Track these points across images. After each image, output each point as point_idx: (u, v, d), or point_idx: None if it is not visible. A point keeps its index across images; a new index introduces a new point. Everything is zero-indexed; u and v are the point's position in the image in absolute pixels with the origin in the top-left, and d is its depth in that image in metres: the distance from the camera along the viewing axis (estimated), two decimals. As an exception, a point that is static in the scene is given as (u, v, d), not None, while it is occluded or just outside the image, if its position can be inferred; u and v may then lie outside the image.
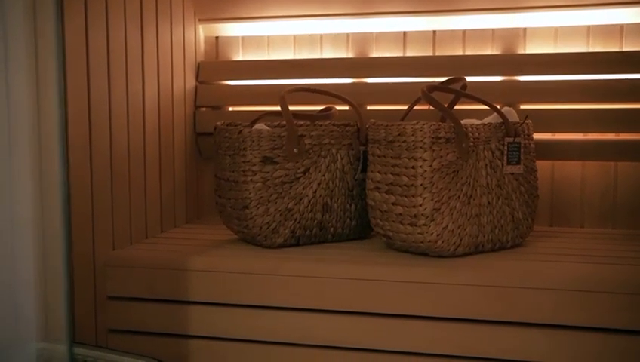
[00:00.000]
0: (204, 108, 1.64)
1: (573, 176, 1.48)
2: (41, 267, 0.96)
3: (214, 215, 1.68)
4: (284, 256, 1.18)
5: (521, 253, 1.21)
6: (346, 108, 1.50)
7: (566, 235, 1.38)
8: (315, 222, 1.27)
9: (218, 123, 1.31)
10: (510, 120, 1.23)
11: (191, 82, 1.61)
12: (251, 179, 1.21)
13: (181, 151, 1.56)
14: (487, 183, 1.19)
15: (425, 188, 1.12)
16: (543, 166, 1.42)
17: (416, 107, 1.30)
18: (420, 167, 1.12)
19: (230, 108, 1.65)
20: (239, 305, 1.16)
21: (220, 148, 1.29)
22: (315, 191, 1.26)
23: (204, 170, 1.66)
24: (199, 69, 1.63)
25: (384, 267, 1.12)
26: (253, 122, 1.30)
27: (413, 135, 1.13)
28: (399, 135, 1.15)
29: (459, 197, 1.16)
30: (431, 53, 1.54)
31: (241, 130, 1.22)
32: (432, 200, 1.12)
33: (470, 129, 1.18)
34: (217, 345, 1.18)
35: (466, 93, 1.27)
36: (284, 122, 1.25)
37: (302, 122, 1.27)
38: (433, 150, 1.13)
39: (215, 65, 1.66)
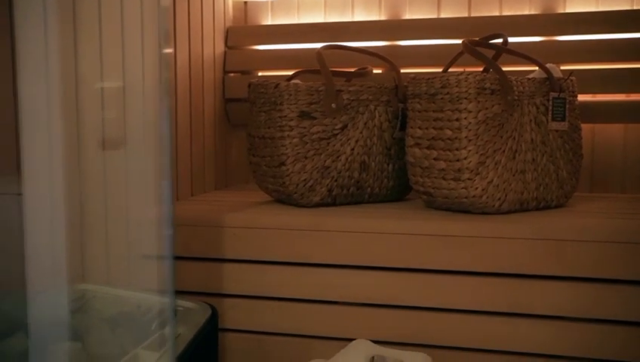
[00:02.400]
0: (232, 74, 1.61)
1: (614, 139, 1.43)
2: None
3: (242, 183, 1.66)
4: (322, 213, 1.15)
5: (567, 211, 1.17)
6: (380, 71, 1.47)
7: (609, 199, 1.34)
8: (353, 181, 1.23)
9: (253, 80, 1.28)
10: (554, 76, 1.19)
11: (220, 47, 1.58)
12: (288, 135, 1.18)
13: (210, 117, 1.53)
14: (532, 139, 1.16)
15: (469, 140, 1.09)
16: (583, 129, 1.38)
17: (451, 69, 1.27)
18: (465, 118, 1.09)
19: (259, 74, 1.62)
20: (277, 262, 1.13)
21: (254, 106, 1.25)
22: (353, 149, 1.22)
23: (232, 137, 1.64)
24: (228, 34, 1.61)
25: (427, 221, 1.08)
26: (289, 79, 1.27)
27: (457, 86, 1.09)
28: (442, 87, 1.12)
29: (504, 151, 1.12)
30: (466, 14, 1.50)
31: (277, 84, 1.19)
32: (476, 153, 1.09)
33: (515, 83, 1.14)
34: (253, 303, 1.15)
35: (508, 49, 1.23)
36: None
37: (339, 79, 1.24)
38: (478, 101, 1.09)
39: (244, 30, 1.62)
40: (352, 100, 1.22)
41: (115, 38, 1.17)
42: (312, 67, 1.27)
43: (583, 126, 1.39)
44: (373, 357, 0.94)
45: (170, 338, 0.69)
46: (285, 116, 1.18)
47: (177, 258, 1.18)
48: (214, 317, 0.76)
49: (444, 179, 1.13)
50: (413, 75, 1.19)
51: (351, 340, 1.08)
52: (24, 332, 0.55)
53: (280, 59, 1.58)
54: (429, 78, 1.15)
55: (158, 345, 0.68)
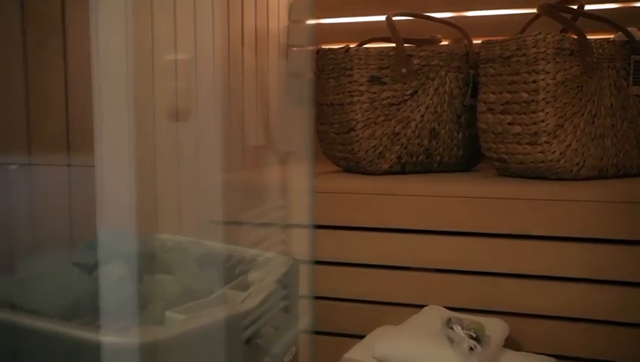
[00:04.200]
0: (295, 48, 1.61)
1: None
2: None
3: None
4: (392, 179, 1.14)
5: (648, 179, 1.13)
6: (446, 43, 1.45)
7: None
8: (422, 148, 1.22)
9: (322, 46, 1.27)
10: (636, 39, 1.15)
11: (283, 21, 1.59)
12: (358, 100, 1.17)
13: (274, 90, 1.53)
14: (612, 104, 1.11)
15: (547, 102, 1.05)
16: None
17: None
18: (542, 80, 1.05)
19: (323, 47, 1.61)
20: (349, 227, 1.12)
21: (322, 73, 1.25)
22: (423, 116, 1.21)
23: (294, 112, 1.64)
24: (291, 7, 1.61)
25: (502, 185, 1.06)
26: (359, 45, 1.26)
27: (534, 46, 1.06)
28: (518, 49, 1.09)
29: (583, 114, 1.08)
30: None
31: (348, 49, 1.18)
32: (554, 115, 1.05)
33: (594, 44, 1.10)
34: (327, 269, 1.14)
35: (586, 12, 1.19)
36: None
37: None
38: (557, 62, 1.05)
39: (307, 3, 1.62)
40: (423, 66, 1.20)
41: (187, 9, 1.19)
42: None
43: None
44: (449, 319, 0.92)
45: (256, 282, 0.69)
46: (355, 81, 1.17)
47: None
48: (295, 266, 0.76)
49: (519, 143, 1.10)
50: (486, 40, 1.16)
51: (423, 307, 1.07)
52: (122, 262, 0.56)
53: (343, 33, 1.57)
54: (503, 41, 1.12)
55: (243, 287, 0.68)
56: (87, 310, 0.52)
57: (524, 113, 1.08)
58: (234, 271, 0.72)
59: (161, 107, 1.15)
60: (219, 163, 1.28)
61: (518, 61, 1.09)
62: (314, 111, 1.30)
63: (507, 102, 1.11)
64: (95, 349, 0.47)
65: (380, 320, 1.10)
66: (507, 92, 1.11)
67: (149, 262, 0.60)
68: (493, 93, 1.13)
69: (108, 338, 0.45)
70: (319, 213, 1.13)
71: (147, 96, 1.12)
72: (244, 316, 0.62)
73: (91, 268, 0.54)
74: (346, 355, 0.97)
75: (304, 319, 0.81)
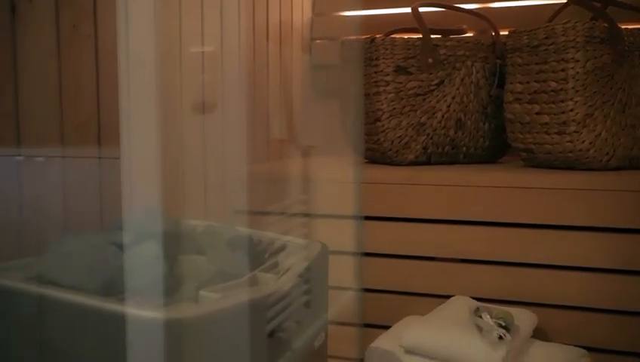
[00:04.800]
0: (319, 41, 1.61)
1: None
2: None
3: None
4: (419, 168, 1.13)
5: (680, 169, 1.11)
6: (471, 35, 1.44)
7: None
8: (448, 139, 1.21)
9: (346, 37, 1.27)
10: (666, 27, 1.13)
11: (307, 14, 1.59)
12: (384, 90, 1.16)
13: (297, 83, 1.54)
14: (642, 93, 1.10)
15: (577, 91, 1.04)
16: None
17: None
18: (572, 68, 1.04)
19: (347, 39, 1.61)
20: (372, 217, 1.12)
21: (347, 62, 1.25)
22: (449, 106, 1.20)
23: (318, 105, 1.64)
24: (315, 0, 1.61)
25: (529, 174, 1.04)
26: (385, 35, 1.26)
27: (564, 34, 1.05)
28: (546, 38, 1.08)
29: (613, 103, 1.07)
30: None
31: (373, 39, 1.18)
32: (584, 104, 1.04)
33: (625, 32, 1.08)
34: (351, 259, 1.14)
35: (616, 0, 1.17)
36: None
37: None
38: (587, 50, 1.04)
39: (331, -4, 1.62)
40: (449, 55, 1.19)
41: (214, 1, 1.19)
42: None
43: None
44: (477, 308, 0.91)
45: (285, 266, 0.69)
46: (381, 71, 1.16)
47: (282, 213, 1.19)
48: (325, 251, 0.76)
49: (547, 133, 1.08)
50: (513, 29, 1.15)
51: (447, 297, 1.06)
52: (156, 242, 0.56)
53: (367, 25, 1.57)
54: (531, 30, 1.11)
55: (274, 270, 0.68)
56: (122, 287, 0.53)
57: (553, 102, 1.07)
58: (264, 256, 0.72)
59: (188, 99, 1.16)
60: (244, 154, 1.29)
61: (546, 50, 1.08)
62: (341, 102, 1.30)
63: (535, 92, 1.10)
64: (135, 323, 0.47)
65: (404, 311, 1.10)
66: (535, 81, 1.10)
67: (182, 243, 0.60)
68: (520, 82, 1.12)
69: (149, 312, 0.46)
70: (343, 203, 1.12)
71: (174, 87, 1.13)
72: (277, 297, 0.62)
73: (127, 247, 0.55)
74: (373, 344, 0.96)
75: (336, 307, 0.81)
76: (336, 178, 1.13)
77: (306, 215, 1.16)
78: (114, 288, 0.52)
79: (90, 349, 0.49)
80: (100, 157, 1.09)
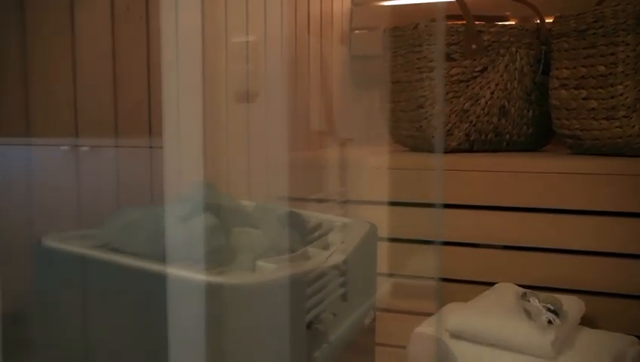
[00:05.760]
0: (358, 31, 1.61)
1: None
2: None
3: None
4: (460, 155, 1.12)
5: None
6: (513, 22, 1.42)
7: None
8: (491, 126, 1.20)
9: (387, 26, 1.27)
10: None
11: (346, 4, 1.59)
12: (427, 76, 1.16)
13: (337, 75, 1.54)
14: (694, 78, 1.07)
15: (627, 75, 1.02)
16: None
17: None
18: (622, 52, 1.02)
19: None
20: (417, 204, 1.11)
21: (389, 50, 1.24)
22: (493, 93, 1.19)
23: (355, 96, 1.64)
24: (354, -10, 1.61)
25: (576, 160, 1.03)
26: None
27: (613, 17, 1.03)
28: (595, 21, 1.06)
29: (664, 88, 1.04)
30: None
31: (416, 25, 1.17)
32: (634, 88, 1.02)
33: (676, 16, 1.06)
34: (391, 246, 1.14)
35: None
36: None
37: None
38: (637, 33, 1.02)
39: (371, -14, 1.62)
40: (493, 42, 1.18)
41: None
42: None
43: None
44: (524, 293, 0.90)
45: (335, 244, 0.69)
46: (424, 57, 1.16)
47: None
48: (374, 231, 0.76)
49: (594, 119, 1.07)
50: (559, 14, 1.14)
51: (491, 285, 1.05)
52: (214, 213, 0.57)
53: (407, 15, 1.56)
54: (578, 14, 1.09)
55: (324, 246, 0.68)
56: (182, 255, 0.53)
57: (601, 87, 1.05)
58: (313, 233, 0.72)
59: (232, 87, 1.17)
60: (286, 143, 1.30)
61: (594, 34, 1.06)
62: (382, 91, 1.29)
63: (582, 77, 1.08)
64: (196, 288, 0.48)
65: (446, 298, 1.09)
66: (582, 66, 1.08)
67: (236, 217, 0.61)
68: (566, 68, 1.11)
69: (214, 278, 0.46)
70: (388, 189, 1.12)
71: (219, 75, 1.14)
72: (329, 272, 0.62)
73: (185, 218, 0.56)
74: (417, 329, 0.96)
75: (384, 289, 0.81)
76: (375, 165, 1.13)
77: (346, 201, 1.16)
78: (173, 256, 0.53)
79: (151, 311, 0.50)
80: (150, 147, 1.11)
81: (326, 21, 1.48)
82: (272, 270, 0.54)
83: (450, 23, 1.18)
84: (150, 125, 1.05)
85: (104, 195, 1.06)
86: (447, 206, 1.09)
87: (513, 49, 1.19)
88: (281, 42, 1.27)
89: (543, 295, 0.91)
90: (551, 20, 1.18)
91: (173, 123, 1.08)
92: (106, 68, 0.96)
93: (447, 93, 1.16)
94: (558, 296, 0.95)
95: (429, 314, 1.03)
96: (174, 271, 0.47)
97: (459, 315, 0.92)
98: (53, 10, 0.88)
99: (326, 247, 0.69)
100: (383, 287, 1.13)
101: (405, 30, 1.20)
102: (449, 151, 1.19)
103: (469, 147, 1.20)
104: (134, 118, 1.03)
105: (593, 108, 1.06)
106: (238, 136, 1.19)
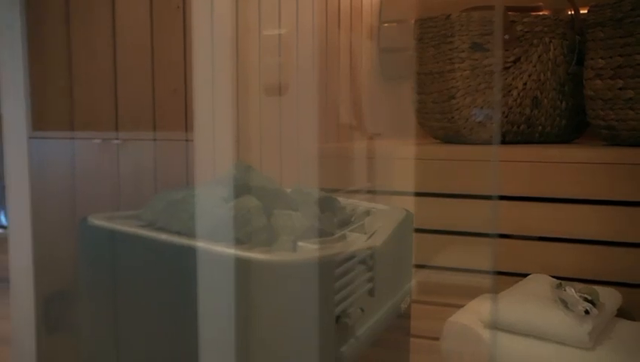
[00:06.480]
0: (387, 24, 1.61)
1: None
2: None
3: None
4: (492, 146, 1.12)
5: None
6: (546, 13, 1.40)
7: None
8: (523, 117, 1.19)
9: (417, 18, 1.26)
10: None
11: (375, -3, 1.59)
12: (459, 67, 1.15)
13: (366, 68, 1.54)
14: None
15: (665, 64, 1.01)
16: None
17: None
18: (660, 40, 1.01)
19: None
20: (448, 194, 1.11)
21: (420, 41, 1.24)
22: (525, 83, 1.17)
23: (385, 89, 1.63)
24: (383, -16, 1.60)
25: (612, 150, 1.01)
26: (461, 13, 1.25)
27: (651, 6, 1.02)
28: (632, 9, 1.04)
29: (703, 77, 1.02)
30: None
31: (449, 15, 1.17)
32: (673, 77, 1.00)
33: None
34: (421, 237, 1.14)
35: None
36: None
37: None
38: (676, 21, 1.00)
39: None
40: (526, 32, 1.17)
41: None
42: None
43: None
44: (560, 283, 0.90)
45: (372, 228, 0.69)
46: (456, 48, 1.15)
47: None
48: (409, 217, 0.76)
49: (631, 109, 1.05)
50: (594, 3, 1.12)
51: (524, 276, 1.04)
52: (250, 195, 0.57)
53: (436, 7, 1.55)
54: (615, 3, 1.07)
55: (361, 231, 0.68)
56: (224, 235, 0.54)
57: (638, 76, 1.03)
58: (350, 218, 0.73)
59: (263, 79, 1.18)
60: (317, 135, 1.30)
61: (631, 22, 1.04)
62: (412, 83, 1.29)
63: (618, 67, 1.06)
64: (244, 264, 0.48)
65: (478, 290, 1.08)
66: (619, 55, 1.06)
67: (276, 199, 0.61)
68: (602, 58, 1.09)
69: (260, 255, 0.47)
70: (419, 180, 1.12)
71: (252, 67, 1.15)
72: (366, 255, 0.62)
73: (227, 199, 0.56)
74: (451, 319, 0.95)
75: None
76: (404, 156, 1.12)
77: (380, 192, 1.16)
78: (215, 235, 0.54)
79: (194, 286, 0.50)
80: (186, 140, 1.11)
81: (355, 14, 1.48)
82: (316, 250, 0.54)
83: (483, 13, 1.18)
84: (186, 117, 1.06)
85: (138, 187, 1.07)
86: (479, 197, 1.08)
87: (547, 39, 1.18)
88: (312, 35, 1.28)
89: (579, 285, 0.90)
90: (585, 10, 1.17)
91: (205, 115, 1.09)
92: (144, 59, 0.97)
93: (480, 84, 1.16)
94: (594, 286, 0.94)
95: (461, 306, 1.02)
96: (220, 248, 0.48)
97: (494, 305, 0.91)
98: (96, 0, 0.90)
99: (363, 232, 0.69)
100: (418, 277, 1.12)
101: (437, 21, 1.19)
102: (480, 142, 1.18)
103: (501, 138, 1.19)
104: (170, 110, 1.04)
105: (630, 98, 1.05)
106: (270, 128, 1.20)
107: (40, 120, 1.03)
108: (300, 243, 0.56)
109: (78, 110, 0.93)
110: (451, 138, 1.22)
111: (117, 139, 1.08)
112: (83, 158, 1.06)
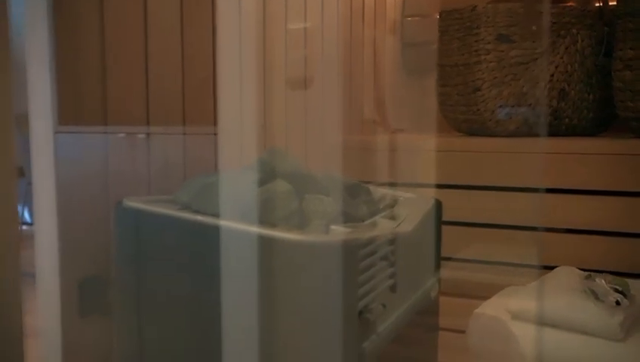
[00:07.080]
0: (410, 18, 1.60)
1: None
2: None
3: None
4: (522, 139, 1.11)
5: None
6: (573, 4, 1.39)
7: None
8: (550, 109, 1.18)
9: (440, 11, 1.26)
10: None
11: (399, -9, 1.58)
12: (484, 59, 1.15)
13: (389, 62, 1.54)
14: None
15: (696, 54, 0.99)
16: None
17: None
18: (691, 30, 0.99)
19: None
20: (474, 186, 1.10)
21: (445, 34, 1.24)
22: (552, 75, 1.16)
23: (407, 83, 1.63)
24: (407, -23, 1.60)
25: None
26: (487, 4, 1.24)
27: (682, -5, 1.00)
28: (662, -1, 1.03)
29: None
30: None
31: (474, 7, 1.16)
32: None
33: None
34: (448, 229, 1.13)
35: None
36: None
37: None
38: None
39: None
40: (553, 23, 1.16)
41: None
42: None
43: None
44: (589, 274, 0.89)
45: (402, 215, 0.69)
46: (482, 39, 1.15)
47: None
48: (438, 206, 0.76)
49: (661, 100, 1.04)
50: (623, -6, 1.11)
51: (551, 269, 1.03)
52: (281, 179, 0.58)
53: (457, 1, 1.54)
54: (644, -7, 1.06)
55: (391, 217, 0.68)
56: (257, 217, 0.54)
57: (669, 67, 1.02)
58: (379, 205, 0.73)
59: (288, 72, 1.18)
60: (341, 128, 1.30)
61: (662, 12, 1.03)
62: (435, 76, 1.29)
63: (648, 57, 1.05)
64: (280, 244, 0.48)
65: (503, 282, 1.08)
66: (648, 46, 1.05)
67: (309, 183, 0.61)
68: (631, 48, 1.08)
69: (296, 236, 0.47)
70: (443, 172, 1.11)
71: (278, 61, 1.15)
72: (397, 240, 0.62)
73: (260, 183, 0.57)
74: (478, 310, 0.95)
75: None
76: (429, 149, 1.12)
77: (406, 185, 1.16)
78: (249, 218, 0.54)
79: (229, 264, 0.51)
80: (214, 134, 1.12)
81: (379, 8, 1.48)
82: (349, 233, 0.54)
83: (509, 4, 1.17)
84: (215, 111, 1.06)
85: (166, 181, 1.07)
86: (505, 189, 1.08)
87: (574, 30, 1.17)
88: (337, 29, 1.28)
89: (609, 276, 0.89)
90: (614, 2, 1.16)
91: (232, 108, 1.10)
92: (175, 53, 0.98)
93: (506, 76, 1.15)
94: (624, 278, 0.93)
95: (487, 298, 1.02)
96: (257, 230, 0.48)
97: (521, 296, 0.90)
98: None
99: (392, 218, 0.69)
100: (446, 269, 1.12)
101: (463, 13, 1.19)
102: (506, 135, 1.17)
103: (528, 131, 1.18)
104: (198, 104, 1.04)
105: (660, 89, 1.04)
106: (295, 120, 1.20)
107: (66, 114, 1.05)
108: (332, 227, 0.56)
109: (109, 104, 0.94)
110: (476, 130, 1.22)
111: (146, 133, 1.09)
112: (109, 153, 1.07)
